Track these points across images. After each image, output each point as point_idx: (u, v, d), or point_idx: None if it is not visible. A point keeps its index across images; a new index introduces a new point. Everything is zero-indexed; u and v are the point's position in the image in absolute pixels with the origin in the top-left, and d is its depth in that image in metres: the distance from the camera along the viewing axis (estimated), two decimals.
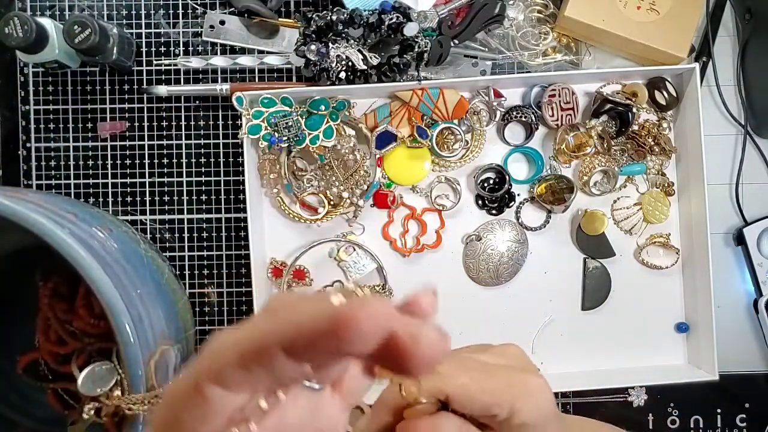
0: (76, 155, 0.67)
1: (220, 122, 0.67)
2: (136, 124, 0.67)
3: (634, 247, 0.67)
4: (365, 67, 0.61)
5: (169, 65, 0.66)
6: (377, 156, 0.64)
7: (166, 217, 0.67)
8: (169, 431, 0.24)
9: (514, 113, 0.65)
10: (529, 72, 0.66)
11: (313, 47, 0.60)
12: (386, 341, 0.23)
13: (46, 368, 0.58)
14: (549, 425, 0.32)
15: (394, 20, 0.59)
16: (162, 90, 0.64)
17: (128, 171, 0.67)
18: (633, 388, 0.67)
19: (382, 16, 0.59)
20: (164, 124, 0.67)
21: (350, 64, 0.61)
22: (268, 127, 0.61)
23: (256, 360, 0.23)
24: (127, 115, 0.67)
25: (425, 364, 0.24)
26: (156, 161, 0.67)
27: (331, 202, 0.65)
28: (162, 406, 0.26)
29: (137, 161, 0.67)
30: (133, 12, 0.66)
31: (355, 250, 0.66)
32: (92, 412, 0.48)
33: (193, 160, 0.67)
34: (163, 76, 0.67)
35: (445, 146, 0.66)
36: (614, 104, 0.64)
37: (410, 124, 0.64)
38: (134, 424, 0.47)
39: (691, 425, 0.68)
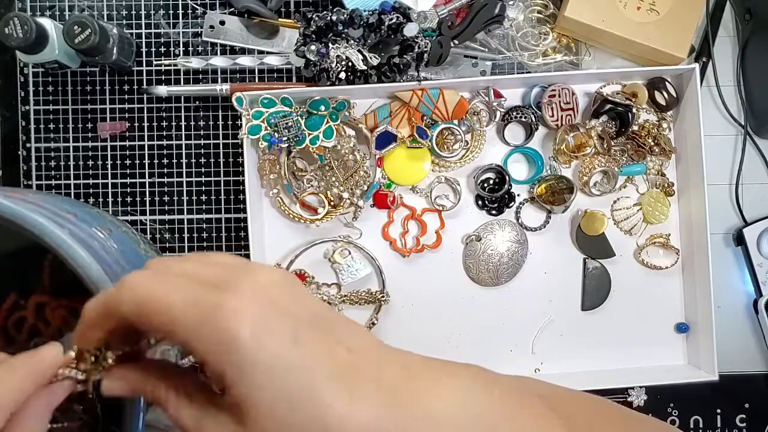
0: (76, 155, 0.67)
1: (220, 122, 0.67)
2: (136, 124, 0.67)
3: (634, 247, 0.67)
4: (365, 68, 0.61)
5: (169, 65, 0.66)
6: (377, 156, 0.64)
7: (166, 217, 0.67)
8: None
9: (514, 113, 0.65)
10: (529, 72, 0.66)
11: (313, 47, 0.60)
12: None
13: None
14: (260, 374, 0.25)
15: (394, 20, 0.59)
16: (162, 90, 0.64)
17: (128, 171, 0.67)
18: (633, 388, 0.67)
19: (382, 16, 0.59)
20: (164, 124, 0.67)
21: (350, 64, 0.61)
22: (268, 128, 0.61)
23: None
24: (127, 115, 0.67)
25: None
26: (156, 161, 0.67)
27: (331, 203, 0.65)
28: None
29: (137, 161, 0.67)
30: (133, 12, 0.66)
31: (350, 254, 0.66)
32: None
33: (193, 160, 0.67)
34: (163, 76, 0.67)
35: (445, 146, 0.66)
36: (614, 104, 0.64)
37: (410, 125, 0.64)
38: (134, 424, 0.47)
39: (691, 425, 0.68)
